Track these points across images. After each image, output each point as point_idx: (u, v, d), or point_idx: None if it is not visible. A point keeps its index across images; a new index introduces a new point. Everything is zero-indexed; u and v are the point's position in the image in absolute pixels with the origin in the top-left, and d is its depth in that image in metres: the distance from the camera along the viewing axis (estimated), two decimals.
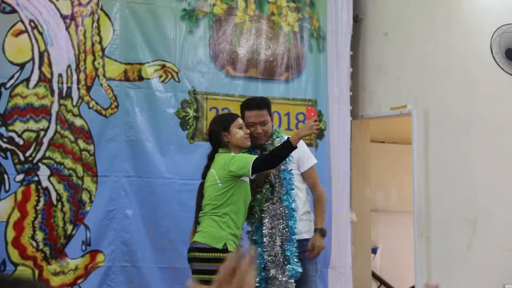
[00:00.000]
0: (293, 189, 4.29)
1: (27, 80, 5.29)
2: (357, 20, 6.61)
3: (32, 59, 5.32)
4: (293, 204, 4.25)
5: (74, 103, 5.43)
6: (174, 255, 5.57)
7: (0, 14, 5.25)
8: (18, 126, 5.24)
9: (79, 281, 5.36)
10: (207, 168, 4.35)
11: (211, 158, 4.37)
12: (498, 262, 5.47)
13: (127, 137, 5.56)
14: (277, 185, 4.22)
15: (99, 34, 5.55)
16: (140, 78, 5.66)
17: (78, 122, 5.42)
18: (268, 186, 4.23)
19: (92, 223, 5.40)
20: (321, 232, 4.33)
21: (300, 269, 4.18)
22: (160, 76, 5.74)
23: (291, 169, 4.33)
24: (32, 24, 5.33)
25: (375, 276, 7.92)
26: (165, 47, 5.78)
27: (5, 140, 5.20)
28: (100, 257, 5.42)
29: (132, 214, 5.50)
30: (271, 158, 4.19)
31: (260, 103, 4.36)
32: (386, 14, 6.50)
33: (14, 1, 5.28)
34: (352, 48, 6.46)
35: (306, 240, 4.39)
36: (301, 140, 4.27)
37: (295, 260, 4.19)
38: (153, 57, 5.72)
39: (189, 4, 5.90)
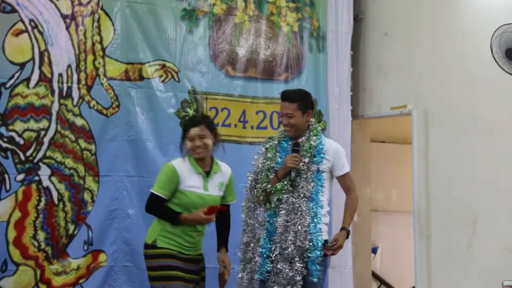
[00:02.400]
0: (322, 192, 4.18)
1: (28, 79, 5.29)
2: (357, 20, 6.61)
3: (32, 58, 5.31)
4: (320, 210, 4.13)
5: (75, 102, 5.42)
6: None
7: (0, 14, 5.24)
8: (19, 125, 5.24)
9: (81, 281, 5.35)
10: None
11: None
12: (498, 262, 5.47)
13: (129, 137, 5.56)
14: (303, 182, 4.11)
15: (99, 34, 5.54)
16: (141, 78, 5.66)
17: (79, 121, 5.42)
18: (289, 179, 4.11)
19: (94, 223, 5.40)
20: (347, 232, 4.26)
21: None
22: (161, 76, 5.74)
23: (323, 171, 4.22)
24: (32, 24, 5.32)
25: (375, 276, 7.93)
26: (165, 47, 5.79)
27: (5, 139, 5.19)
28: (102, 257, 5.41)
29: (134, 213, 5.50)
30: (155, 211, 4.36)
31: (291, 96, 4.26)
32: (386, 14, 6.51)
33: (14, 1, 5.27)
34: (352, 48, 6.47)
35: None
36: (337, 145, 4.32)
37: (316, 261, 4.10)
38: (154, 57, 5.73)
39: (189, 4, 5.91)
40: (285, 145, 4.27)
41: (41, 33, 5.34)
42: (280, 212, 4.07)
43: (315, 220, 4.10)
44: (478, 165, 5.69)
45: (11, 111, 5.23)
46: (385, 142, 8.41)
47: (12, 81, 5.25)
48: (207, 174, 4.42)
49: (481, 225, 5.62)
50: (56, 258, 5.27)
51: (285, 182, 4.10)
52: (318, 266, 4.07)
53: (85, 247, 5.37)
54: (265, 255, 4.10)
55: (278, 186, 4.12)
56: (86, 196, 5.40)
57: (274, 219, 4.13)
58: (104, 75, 5.53)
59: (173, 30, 5.83)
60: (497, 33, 5.58)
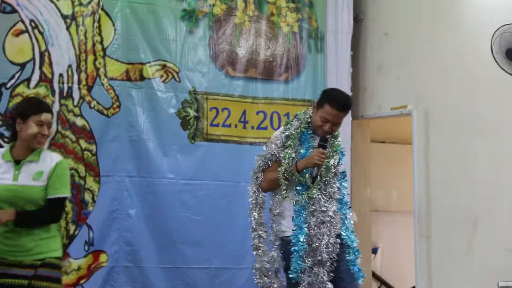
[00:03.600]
0: (348, 193, 4.12)
1: (28, 80, 5.29)
2: (357, 20, 6.61)
3: (33, 59, 5.32)
4: (348, 211, 4.05)
5: (75, 103, 5.42)
6: (176, 255, 5.58)
7: (0, 14, 5.24)
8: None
9: (82, 281, 5.36)
10: None
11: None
12: (498, 262, 5.47)
13: (129, 137, 5.56)
14: (332, 183, 3.98)
15: (100, 34, 5.55)
16: (142, 78, 5.66)
17: (80, 122, 5.42)
18: (311, 175, 3.94)
19: (95, 223, 5.40)
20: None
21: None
22: (161, 76, 5.74)
23: (345, 175, 4.14)
24: (33, 24, 5.32)
25: (375, 276, 7.93)
26: (166, 47, 5.79)
27: (6, 140, 5.19)
28: (103, 257, 5.41)
29: (135, 214, 5.50)
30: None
31: (348, 107, 4.08)
32: (386, 14, 6.51)
33: (14, 1, 5.27)
34: (352, 48, 6.46)
35: None
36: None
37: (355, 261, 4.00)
38: (154, 57, 5.73)
39: (189, 4, 5.91)
40: (308, 136, 4.05)
41: (41, 33, 5.34)
42: (312, 213, 3.91)
43: (346, 222, 4.02)
44: (478, 165, 5.69)
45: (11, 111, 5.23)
46: (385, 142, 8.41)
47: (12, 81, 5.25)
48: (17, 163, 3.75)
49: (481, 225, 5.62)
50: None
51: (306, 177, 3.94)
52: (360, 267, 3.97)
53: (86, 248, 5.37)
54: (299, 254, 3.90)
55: (302, 178, 3.94)
56: (87, 197, 5.40)
57: (304, 213, 3.94)
58: (105, 75, 5.53)
59: (173, 31, 5.84)
60: (498, 33, 5.58)
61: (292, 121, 4.11)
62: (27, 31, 5.31)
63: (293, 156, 3.97)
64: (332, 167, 3.98)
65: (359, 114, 6.61)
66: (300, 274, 3.88)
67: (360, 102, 6.61)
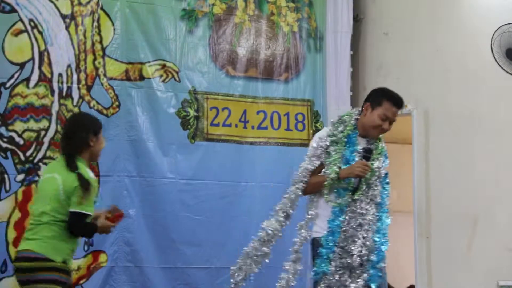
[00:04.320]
0: (388, 196, 4.07)
1: (27, 79, 5.28)
2: (357, 20, 6.60)
3: (32, 58, 5.31)
4: (385, 215, 4.00)
5: (75, 102, 5.41)
6: (176, 255, 5.57)
7: None
8: (19, 126, 5.22)
9: (81, 282, 5.34)
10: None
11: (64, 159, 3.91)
12: (498, 262, 5.47)
13: (129, 137, 5.55)
14: (373, 186, 3.93)
15: (99, 34, 5.54)
16: (141, 78, 5.65)
17: None
18: (352, 186, 3.89)
19: None
20: None
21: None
22: (161, 76, 5.73)
23: (387, 178, 4.10)
24: (32, 24, 5.31)
25: None
26: (165, 46, 5.78)
27: (5, 140, 5.18)
28: (102, 257, 5.40)
29: (134, 214, 5.49)
30: (85, 230, 3.92)
31: (402, 105, 4.05)
32: (386, 14, 6.50)
33: (13, 1, 5.26)
34: (352, 48, 6.46)
35: None
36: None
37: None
38: (154, 57, 5.72)
39: (188, 4, 5.90)
40: (353, 139, 3.97)
41: (40, 33, 5.33)
42: (351, 215, 3.86)
43: (381, 225, 3.96)
44: (478, 165, 5.69)
45: (11, 111, 5.21)
46: (385, 142, 8.38)
47: (12, 81, 5.23)
48: None
49: (481, 225, 5.62)
50: None
51: (349, 183, 3.88)
52: (379, 272, 3.90)
53: (86, 248, 5.35)
54: (324, 257, 3.86)
55: (343, 185, 3.89)
56: None
57: (340, 217, 3.88)
58: (104, 75, 5.52)
59: (173, 30, 5.83)
60: (498, 33, 5.58)
61: (337, 123, 4.04)
62: (26, 30, 5.30)
63: (338, 164, 3.91)
64: (376, 169, 3.94)
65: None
66: (324, 276, 3.82)
67: (360, 101, 6.56)
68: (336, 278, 3.80)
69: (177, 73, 5.80)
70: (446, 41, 5.94)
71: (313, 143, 4.03)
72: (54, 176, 3.85)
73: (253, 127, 6.03)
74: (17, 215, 5.16)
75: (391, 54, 6.40)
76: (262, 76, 6.14)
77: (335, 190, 3.93)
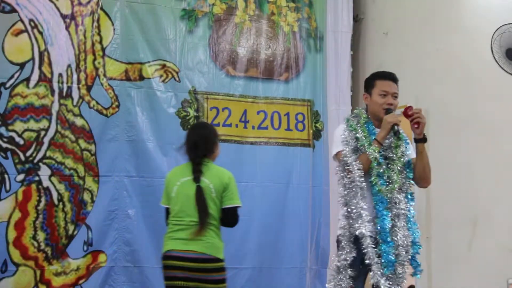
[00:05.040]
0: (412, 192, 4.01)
1: (27, 79, 5.29)
2: (357, 20, 6.61)
3: (32, 58, 5.32)
4: (412, 203, 3.94)
5: (75, 102, 5.42)
6: None
7: None
8: (19, 126, 5.24)
9: (80, 282, 5.36)
10: (199, 172, 4.15)
11: (198, 164, 4.16)
12: (498, 262, 5.47)
13: (129, 137, 5.56)
14: (402, 175, 3.87)
15: (99, 34, 5.55)
16: (141, 78, 5.66)
17: (79, 122, 5.42)
18: (393, 133, 3.84)
19: (93, 223, 5.40)
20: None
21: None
22: (161, 76, 5.74)
23: (410, 165, 3.97)
24: (32, 24, 5.32)
25: None
26: (165, 46, 5.79)
27: (5, 140, 5.19)
28: (102, 257, 5.41)
29: (134, 214, 5.50)
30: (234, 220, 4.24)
31: (394, 77, 4.03)
32: (386, 14, 6.50)
33: (13, 1, 5.28)
34: (352, 48, 6.46)
35: None
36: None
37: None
38: (154, 57, 5.73)
39: (188, 4, 5.90)
40: (371, 127, 3.94)
41: (40, 33, 5.34)
42: (389, 207, 3.82)
43: (409, 215, 3.92)
44: (478, 165, 5.68)
45: (11, 111, 5.23)
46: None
47: (12, 81, 5.24)
48: None
49: (481, 225, 5.61)
50: (56, 258, 5.27)
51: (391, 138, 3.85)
52: (419, 262, 3.93)
53: (85, 248, 5.37)
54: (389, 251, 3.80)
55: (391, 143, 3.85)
56: (86, 197, 5.39)
57: (385, 214, 3.80)
58: (104, 75, 5.52)
59: (172, 30, 5.83)
60: (498, 33, 5.58)
61: (350, 119, 4.02)
62: (26, 30, 5.31)
63: (370, 139, 3.86)
64: (401, 155, 3.89)
65: None
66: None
67: (360, 102, 6.58)
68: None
69: (177, 73, 5.80)
70: (446, 41, 5.94)
71: (339, 133, 3.96)
72: (205, 181, 4.12)
73: (253, 127, 6.04)
74: (17, 215, 5.17)
75: (391, 54, 6.39)
76: (262, 76, 6.14)
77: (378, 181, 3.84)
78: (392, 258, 3.78)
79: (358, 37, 6.62)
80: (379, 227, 3.79)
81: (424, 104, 6.03)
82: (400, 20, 6.37)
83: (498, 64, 5.57)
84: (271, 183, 5.97)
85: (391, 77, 4.01)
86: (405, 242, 3.86)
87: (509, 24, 5.56)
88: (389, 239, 3.79)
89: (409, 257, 3.92)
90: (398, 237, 3.82)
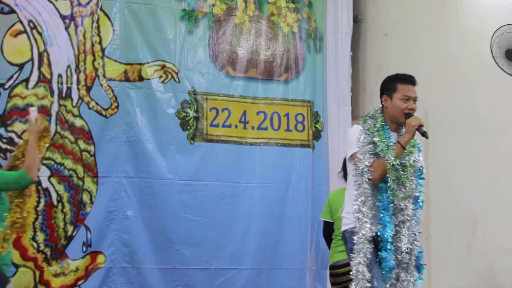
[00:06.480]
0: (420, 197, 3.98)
1: (27, 80, 5.29)
2: (357, 20, 6.60)
3: (31, 59, 5.32)
4: (418, 211, 3.93)
5: (74, 103, 5.42)
6: (174, 256, 5.57)
7: None
8: (18, 126, 5.24)
9: (79, 282, 5.35)
10: None
11: None
12: (498, 262, 5.47)
13: (128, 138, 5.55)
14: (413, 181, 3.83)
15: (98, 35, 5.54)
16: (140, 79, 5.66)
17: (78, 122, 5.42)
18: (422, 134, 3.83)
19: (92, 224, 5.39)
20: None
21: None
22: (160, 77, 5.73)
23: (422, 172, 3.96)
24: (31, 25, 5.32)
25: None
26: (165, 47, 5.79)
27: (4, 140, 5.19)
28: (100, 258, 5.40)
29: (132, 215, 5.49)
30: None
31: (415, 80, 4.04)
32: (386, 14, 6.49)
33: (12, 2, 5.27)
34: (352, 48, 6.45)
35: None
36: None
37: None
38: (153, 58, 5.73)
39: (188, 4, 5.90)
40: (387, 131, 3.90)
41: (40, 33, 5.34)
42: (394, 212, 3.80)
43: (415, 222, 3.90)
44: (478, 165, 5.69)
45: (10, 112, 5.23)
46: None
47: (11, 82, 5.25)
48: None
49: (481, 225, 5.61)
50: (55, 259, 5.27)
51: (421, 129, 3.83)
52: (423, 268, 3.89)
53: (84, 249, 5.36)
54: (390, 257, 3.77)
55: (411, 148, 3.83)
56: (85, 197, 5.39)
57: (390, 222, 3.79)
58: (104, 75, 5.52)
59: (172, 31, 5.83)
60: (497, 33, 5.58)
61: (367, 120, 3.99)
62: (25, 31, 5.31)
63: (389, 144, 3.82)
64: (413, 161, 3.85)
65: (359, 114, 6.59)
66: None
67: (360, 102, 6.59)
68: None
69: (176, 73, 5.80)
70: (446, 41, 5.94)
71: (355, 134, 3.91)
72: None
73: (253, 128, 6.03)
74: None
75: (391, 55, 6.39)
76: (262, 76, 6.14)
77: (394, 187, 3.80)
78: (391, 263, 3.74)
79: (358, 38, 6.62)
80: (379, 234, 3.75)
81: (424, 105, 6.03)
82: (400, 21, 6.37)
83: (498, 65, 5.57)
84: (271, 184, 5.97)
85: (412, 81, 4.02)
86: (410, 248, 3.81)
87: (508, 25, 5.57)
88: (389, 246, 3.75)
89: (414, 263, 3.85)
90: (403, 244, 3.79)
